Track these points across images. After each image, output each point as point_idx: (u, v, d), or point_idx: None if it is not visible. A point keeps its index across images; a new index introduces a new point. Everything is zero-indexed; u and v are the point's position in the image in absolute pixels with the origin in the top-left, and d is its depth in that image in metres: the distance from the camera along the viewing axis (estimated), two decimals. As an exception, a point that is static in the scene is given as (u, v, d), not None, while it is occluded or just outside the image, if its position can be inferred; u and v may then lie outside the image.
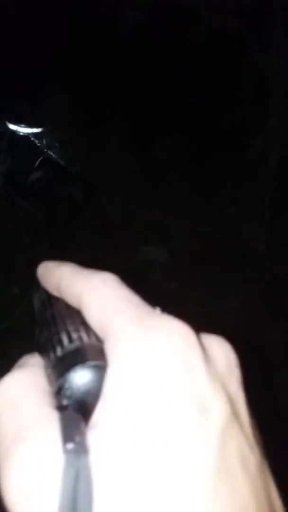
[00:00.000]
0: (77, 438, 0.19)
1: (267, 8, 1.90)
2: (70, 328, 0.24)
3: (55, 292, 0.27)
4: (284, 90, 1.79)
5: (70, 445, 0.18)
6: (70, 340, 0.23)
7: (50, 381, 0.22)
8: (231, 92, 2.14)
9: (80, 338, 0.23)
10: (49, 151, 2.71)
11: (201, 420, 0.19)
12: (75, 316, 0.25)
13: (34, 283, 0.30)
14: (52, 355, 0.23)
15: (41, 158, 2.57)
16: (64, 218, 2.14)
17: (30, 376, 0.23)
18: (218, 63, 2.01)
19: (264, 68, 1.90)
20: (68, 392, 0.21)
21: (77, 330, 0.23)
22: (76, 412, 0.20)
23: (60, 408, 0.21)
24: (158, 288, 1.73)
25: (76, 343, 0.23)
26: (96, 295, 0.24)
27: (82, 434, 0.19)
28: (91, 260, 1.41)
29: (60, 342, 0.23)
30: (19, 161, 2.35)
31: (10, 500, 0.19)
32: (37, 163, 2.58)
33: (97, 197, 2.36)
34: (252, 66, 1.95)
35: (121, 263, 1.86)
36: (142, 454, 0.18)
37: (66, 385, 0.21)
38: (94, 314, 0.23)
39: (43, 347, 0.24)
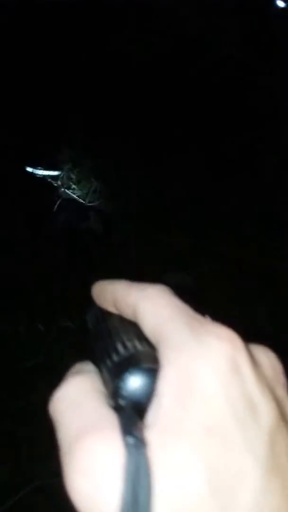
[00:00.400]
0: (136, 433, 0.20)
1: (269, 35, 1.95)
2: (125, 338, 0.25)
3: (110, 307, 0.29)
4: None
5: (130, 439, 0.20)
6: (125, 347, 0.25)
7: (106, 384, 0.24)
8: (241, 116, 2.18)
9: (134, 346, 0.25)
10: (66, 190, 2.79)
11: (251, 420, 0.20)
12: (129, 328, 0.26)
13: (87, 303, 0.30)
14: (108, 362, 0.24)
15: (60, 199, 2.65)
16: (86, 252, 2.16)
17: (87, 379, 0.24)
18: (226, 89, 2.07)
19: (271, 91, 1.93)
20: (124, 393, 0.22)
21: (131, 340, 0.25)
22: (132, 411, 0.22)
23: (117, 408, 0.22)
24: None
25: (131, 350, 0.24)
26: (151, 304, 0.25)
27: (140, 430, 0.20)
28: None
29: (116, 350, 0.25)
30: (40, 203, 2.42)
31: (76, 492, 0.20)
32: (56, 204, 2.66)
33: (117, 228, 2.40)
34: (259, 89, 1.98)
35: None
36: (197, 450, 0.19)
37: (122, 386, 0.23)
38: (149, 321, 0.25)
39: (98, 357, 0.26)
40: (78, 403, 0.23)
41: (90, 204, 2.57)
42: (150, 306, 0.25)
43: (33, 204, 2.39)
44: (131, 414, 0.21)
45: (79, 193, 2.66)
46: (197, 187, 2.40)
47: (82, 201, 2.57)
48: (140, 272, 1.99)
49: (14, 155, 2.60)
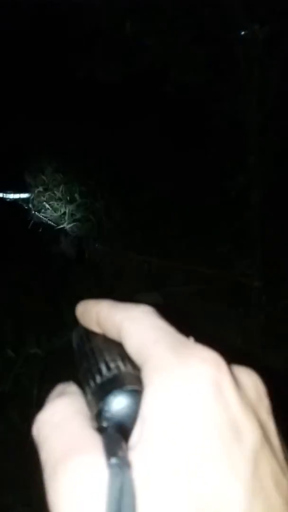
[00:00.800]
0: (120, 454, 0.20)
1: (231, 58, 2.01)
2: (108, 358, 0.25)
3: (94, 327, 0.29)
4: (257, 128, 1.87)
5: (113, 460, 0.20)
6: (108, 368, 0.24)
7: (90, 406, 0.24)
8: (208, 138, 2.24)
9: (118, 367, 0.25)
10: (37, 213, 2.79)
11: (234, 442, 0.21)
12: (113, 348, 0.26)
13: (71, 322, 0.31)
14: (92, 383, 0.24)
15: (31, 222, 2.63)
16: (58, 275, 2.15)
17: (70, 402, 0.24)
18: (191, 112, 2.12)
19: (235, 110, 1.98)
20: (107, 415, 0.22)
21: (114, 360, 0.25)
22: (115, 432, 0.22)
23: (101, 429, 0.22)
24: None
25: (114, 371, 0.24)
26: (136, 325, 0.25)
27: (124, 451, 0.20)
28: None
29: (99, 371, 0.25)
30: (10, 226, 2.39)
31: None
32: (29, 226, 2.65)
33: (89, 250, 2.40)
34: (223, 110, 2.04)
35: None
36: (181, 473, 0.19)
37: (106, 408, 0.23)
38: (133, 342, 0.25)
39: (82, 378, 0.26)
40: (62, 426, 0.23)
41: (61, 227, 2.57)
42: (135, 327, 0.25)
43: (2, 228, 2.37)
44: (115, 436, 0.21)
45: (50, 216, 2.66)
46: (168, 206, 2.44)
47: (54, 224, 2.57)
48: (113, 292, 2.00)
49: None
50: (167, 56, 1.98)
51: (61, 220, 2.61)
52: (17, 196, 2.30)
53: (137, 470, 0.19)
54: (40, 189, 2.77)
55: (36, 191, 2.74)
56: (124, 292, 2.03)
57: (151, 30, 1.94)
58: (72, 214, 2.66)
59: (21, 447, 1.45)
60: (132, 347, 0.25)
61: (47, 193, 2.74)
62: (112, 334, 0.27)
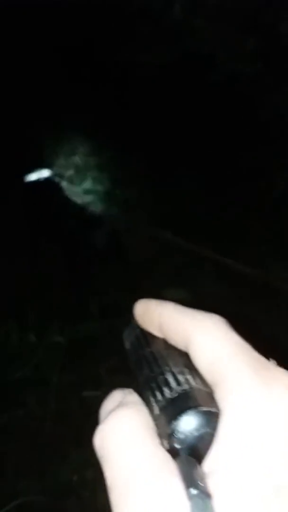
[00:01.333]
0: (200, 484, 0.19)
1: (281, 49, 1.94)
2: (175, 370, 0.24)
3: (155, 331, 0.27)
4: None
5: (194, 491, 0.18)
6: (178, 382, 0.23)
7: (159, 423, 0.22)
8: (252, 132, 2.16)
9: (187, 381, 0.23)
10: (66, 198, 2.76)
11: None
12: (177, 357, 0.25)
13: (127, 320, 0.29)
14: (159, 396, 0.23)
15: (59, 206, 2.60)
16: (86, 263, 2.12)
17: (137, 414, 0.22)
18: (237, 102, 2.04)
19: (282, 106, 1.90)
20: (181, 436, 0.21)
21: (182, 373, 0.24)
22: (190, 456, 0.21)
23: (173, 451, 0.21)
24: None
25: (185, 386, 0.23)
26: (208, 338, 0.24)
27: (202, 479, 0.19)
28: (111, 303, 1.36)
29: (166, 383, 0.23)
30: (35, 213, 2.36)
31: None
32: (57, 212, 2.62)
33: (120, 241, 2.36)
34: (269, 105, 1.96)
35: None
36: (265, 503, 0.18)
37: (179, 430, 0.21)
38: (205, 357, 0.23)
39: (143, 386, 0.24)
40: (131, 442, 0.21)
41: (90, 214, 2.54)
42: (207, 340, 0.23)
43: (32, 214, 2.35)
44: (191, 461, 0.20)
45: (80, 201, 2.63)
46: (199, 202, 2.37)
47: (82, 210, 2.54)
48: (140, 285, 1.95)
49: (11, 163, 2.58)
50: (215, 43, 1.91)
51: (90, 207, 2.57)
52: (45, 174, 2.23)
53: (219, 502, 0.18)
54: (72, 171, 2.74)
55: (67, 174, 2.72)
56: (151, 285, 1.98)
57: (200, 14, 1.86)
58: (102, 201, 2.62)
59: (36, 434, 1.44)
60: (204, 362, 0.23)
61: (78, 176, 2.72)
62: (177, 342, 0.25)
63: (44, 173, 2.17)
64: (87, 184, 2.70)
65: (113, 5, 2.21)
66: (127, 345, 0.28)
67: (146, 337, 0.27)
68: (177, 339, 0.25)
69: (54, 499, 1.22)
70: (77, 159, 2.78)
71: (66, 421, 1.40)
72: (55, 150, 2.80)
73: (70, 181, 2.69)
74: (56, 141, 2.83)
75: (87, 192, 2.65)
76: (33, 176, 2.14)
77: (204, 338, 0.24)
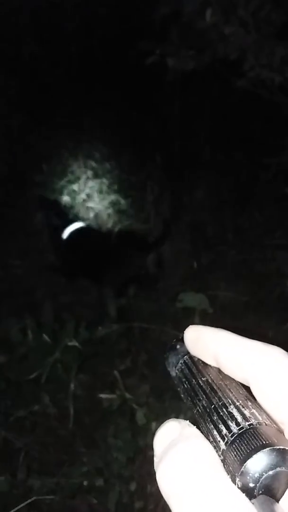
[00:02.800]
0: None
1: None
2: (238, 403, 0.23)
3: (209, 360, 0.26)
4: None
5: None
6: (244, 417, 0.22)
7: (228, 459, 0.21)
8: (277, 139, 2.14)
9: (254, 416, 0.22)
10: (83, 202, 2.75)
11: None
12: (236, 388, 0.24)
13: (171, 343, 0.29)
14: (224, 430, 0.22)
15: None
16: (102, 265, 2.11)
17: (203, 450, 0.21)
18: (263, 111, 2.03)
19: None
20: (256, 475, 0.20)
21: (247, 406, 0.23)
22: (268, 499, 0.20)
23: (247, 490, 0.20)
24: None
25: (252, 421, 0.22)
26: (273, 375, 0.23)
27: None
28: (128, 304, 1.35)
29: (231, 417, 0.22)
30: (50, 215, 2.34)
31: None
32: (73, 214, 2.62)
33: (141, 248, 2.34)
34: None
35: (159, 310, 1.81)
36: None
37: (253, 468, 0.20)
38: (272, 395, 0.23)
39: (203, 418, 0.23)
40: (203, 480, 0.20)
41: (107, 218, 2.54)
42: (272, 377, 0.22)
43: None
44: (270, 501, 0.19)
45: (97, 204, 2.63)
46: (225, 211, 2.35)
47: (99, 214, 2.54)
48: (155, 288, 1.94)
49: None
50: (244, 49, 1.89)
51: (107, 210, 2.57)
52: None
53: None
54: (89, 174, 2.74)
55: (84, 177, 2.71)
56: (168, 288, 1.97)
57: (231, 20, 1.85)
58: (118, 204, 2.62)
59: (50, 434, 1.45)
60: (270, 400, 0.22)
61: (95, 180, 2.71)
62: (235, 374, 0.24)
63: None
64: (104, 186, 2.70)
65: (144, 7, 2.21)
66: (173, 371, 0.27)
67: (197, 365, 0.26)
68: (235, 371, 0.24)
69: (66, 499, 1.23)
70: (93, 163, 2.79)
71: (79, 422, 1.41)
72: (73, 153, 2.81)
73: (88, 183, 2.69)
74: (75, 143, 2.84)
75: (104, 195, 2.65)
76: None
77: (269, 374, 0.23)
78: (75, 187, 2.66)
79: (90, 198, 2.62)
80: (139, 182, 2.61)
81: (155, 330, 1.67)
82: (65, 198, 2.57)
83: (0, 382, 1.44)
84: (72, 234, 2.06)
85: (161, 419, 1.29)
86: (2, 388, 1.44)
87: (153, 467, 0.22)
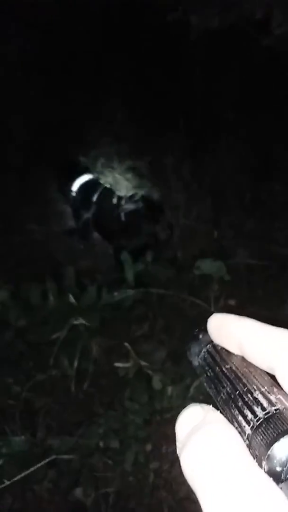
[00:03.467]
0: None
1: None
2: (264, 388, 0.23)
3: (233, 348, 0.26)
4: None
5: None
6: (270, 401, 0.22)
7: (254, 443, 0.21)
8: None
9: (280, 401, 0.22)
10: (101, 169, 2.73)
11: None
12: (262, 375, 0.24)
13: (193, 333, 0.29)
14: (249, 415, 0.22)
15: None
16: (125, 232, 2.11)
17: (228, 434, 0.21)
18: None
19: None
20: (283, 459, 0.20)
21: (272, 392, 0.23)
22: None
23: (273, 474, 0.20)
24: (216, 304, 1.65)
25: (279, 406, 0.22)
26: None
27: None
28: (146, 270, 1.34)
29: (257, 402, 0.22)
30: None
31: None
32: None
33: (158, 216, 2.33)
34: None
35: (176, 276, 1.81)
36: None
37: (280, 451, 0.20)
38: None
39: (228, 404, 0.23)
40: (229, 464, 0.19)
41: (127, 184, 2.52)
42: None
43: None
44: None
45: (116, 171, 2.60)
46: (245, 181, 2.31)
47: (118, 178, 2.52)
48: (175, 256, 1.94)
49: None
50: (272, 6, 1.80)
51: (126, 175, 2.54)
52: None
53: None
54: (108, 139, 2.70)
55: (103, 141, 2.68)
56: (186, 254, 1.96)
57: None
58: (138, 169, 2.58)
59: (68, 395, 1.50)
60: None
61: (115, 144, 2.67)
62: (260, 363, 0.24)
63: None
64: (125, 152, 2.66)
65: None
66: (195, 359, 0.28)
67: (220, 353, 0.26)
68: (260, 359, 0.24)
69: (84, 458, 1.28)
70: (115, 128, 2.74)
71: (97, 386, 1.44)
72: (92, 117, 2.76)
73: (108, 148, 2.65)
74: (94, 107, 2.78)
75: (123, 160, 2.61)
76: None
77: None
78: (93, 151, 2.63)
79: (109, 162, 2.60)
80: (159, 146, 2.56)
81: (172, 296, 1.68)
82: (84, 163, 2.55)
83: (21, 344, 1.48)
84: (86, 189, 2.05)
85: (177, 384, 1.31)
86: (23, 350, 1.47)
87: (176, 450, 0.22)
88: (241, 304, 1.73)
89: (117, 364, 1.42)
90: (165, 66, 2.60)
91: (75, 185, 2.08)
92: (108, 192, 2.09)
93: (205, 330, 0.28)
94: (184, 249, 1.90)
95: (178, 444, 0.22)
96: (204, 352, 0.27)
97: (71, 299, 1.47)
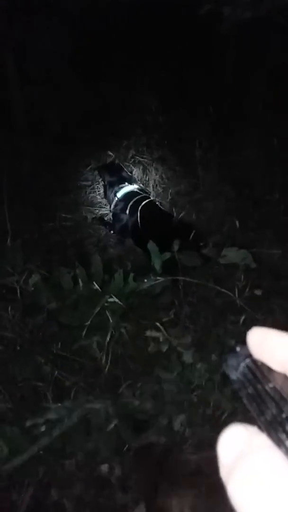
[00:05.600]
0: None
1: None
2: None
3: (275, 366, 0.25)
4: None
5: None
6: None
7: None
8: None
9: None
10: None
11: None
12: None
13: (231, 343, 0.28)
14: None
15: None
16: (152, 222, 2.15)
17: (276, 463, 0.21)
18: None
19: None
20: None
21: None
22: None
23: None
24: (241, 293, 1.68)
25: None
26: None
27: None
28: (173, 258, 1.38)
29: None
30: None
31: None
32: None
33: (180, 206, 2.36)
34: None
35: (203, 265, 1.83)
36: None
37: None
38: None
39: (273, 426, 0.23)
40: (279, 498, 0.19)
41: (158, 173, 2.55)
42: None
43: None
44: None
45: (145, 161, 2.63)
46: (268, 163, 2.30)
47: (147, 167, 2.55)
48: (201, 245, 1.97)
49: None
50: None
51: (155, 165, 2.57)
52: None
53: None
54: (140, 130, 2.74)
55: (134, 132, 2.71)
56: (212, 243, 1.99)
57: None
58: (166, 160, 2.61)
59: (98, 377, 1.56)
60: None
61: (145, 135, 2.70)
62: None
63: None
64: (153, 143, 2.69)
65: None
66: (233, 374, 0.27)
67: (261, 370, 0.25)
68: None
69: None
70: (146, 119, 2.76)
71: (121, 365, 1.51)
72: (124, 109, 2.79)
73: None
74: (126, 99, 2.82)
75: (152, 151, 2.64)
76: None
77: None
78: (124, 143, 2.68)
79: (139, 153, 2.64)
80: (188, 137, 2.59)
81: (198, 284, 1.71)
82: (115, 154, 2.60)
83: (53, 326, 1.55)
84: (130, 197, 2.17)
85: (206, 361, 1.35)
86: (55, 332, 1.55)
87: (219, 473, 0.22)
88: (267, 294, 1.75)
89: (148, 334, 1.48)
90: (195, 58, 2.61)
91: (121, 192, 2.20)
92: (151, 204, 2.17)
93: (242, 343, 0.27)
94: (210, 239, 1.92)
95: (223, 468, 0.22)
96: (243, 366, 0.26)
97: (95, 286, 1.54)
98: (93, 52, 2.82)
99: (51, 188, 2.40)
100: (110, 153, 2.60)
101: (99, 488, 1.37)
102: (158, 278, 1.62)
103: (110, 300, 1.54)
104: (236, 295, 1.64)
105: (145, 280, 1.59)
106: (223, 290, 1.66)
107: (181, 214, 2.24)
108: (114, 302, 1.56)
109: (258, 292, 1.73)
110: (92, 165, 2.54)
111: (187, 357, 1.41)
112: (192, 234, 1.90)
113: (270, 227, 2.07)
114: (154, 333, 1.48)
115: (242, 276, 1.71)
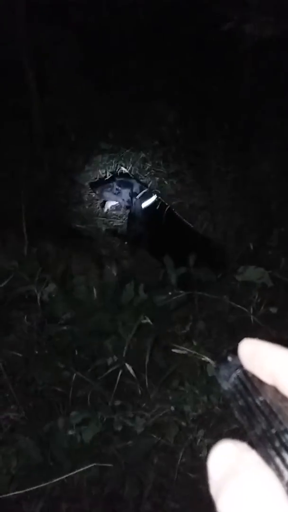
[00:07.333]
0: None
1: None
2: None
3: (265, 378, 0.25)
4: None
5: None
6: None
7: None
8: None
9: None
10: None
11: None
12: None
13: (222, 355, 0.27)
14: (284, 452, 0.22)
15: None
16: (167, 233, 2.16)
17: (266, 481, 0.21)
18: None
19: None
20: None
21: None
22: None
23: None
24: (256, 311, 1.66)
25: None
26: None
27: None
28: (188, 273, 1.37)
29: None
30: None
31: None
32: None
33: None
34: None
35: (218, 281, 1.83)
36: None
37: None
38: None
39: (263, 442, 0.23)
40: (266, 510, 0.19)
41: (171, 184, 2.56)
42: None
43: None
44: None
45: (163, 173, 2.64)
46: (284, 179, 2.30)
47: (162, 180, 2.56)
48: (216, 263, 1.96)
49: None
50: None
51: (171, 179, 2.58)
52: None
53: None
54: (156, 142, 2.75)
55: (150, 145, 2.72)
56: (228, 260, 1.98)
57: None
58: (182, 174, 2.61)
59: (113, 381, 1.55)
60: None
61: (162, 148, 2.71)
62: None
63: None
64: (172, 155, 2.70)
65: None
66: (225, 384, 0.26)
67: (252, 382, 0.25)
68: None
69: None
70: (160, 131, 2.78)
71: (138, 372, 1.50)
72: (141, 121, 2.81)
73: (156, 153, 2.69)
74: (143, 112, 2.83)
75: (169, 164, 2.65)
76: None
77: None
78: (141, 154, 2.69)
79: (155, 166, 2.65)
80: (204, 151, 2.60)
81: (213, 300, 1.71)
82: (130, 166, 2.61)
83: (70, 335, 1.55)
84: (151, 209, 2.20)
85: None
86: (72, 340, 1.54)
87: (209, 488, 0.22)
88: (282, 312, 1.74)
89: (174, 350, 1.48)
90: (215, 73, 2.63)
91: (144, 204, 2.23)
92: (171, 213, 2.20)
93: (234, 352, 0.27)
94: (226, 255, 1.92)
95: (213, 484, 0.22)
96: (234, 378, 0.26)
97: (109, 296, 1.54)
98: (111, 64, 2.85)
99: (67, 197, 2.42)
100: (123, 168, 2.61)
101: (108, 503, 1.35)
102: (174, 291, 1.61)
103: (123, 311, 1.54)
104: (251, 311, 1.63)
105: (159, 295, 1.59)
106: (238, 306, 1.65)
107: (197, 228, 2.24)
108: (128, 313, 1.56)
109: (273, 310, 1.72)
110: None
111: (210, 370, 1.40)
112: (210, 248, 1.90)
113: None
114: (181, 349, 1.46)
115: (258, 294, 1.70)
